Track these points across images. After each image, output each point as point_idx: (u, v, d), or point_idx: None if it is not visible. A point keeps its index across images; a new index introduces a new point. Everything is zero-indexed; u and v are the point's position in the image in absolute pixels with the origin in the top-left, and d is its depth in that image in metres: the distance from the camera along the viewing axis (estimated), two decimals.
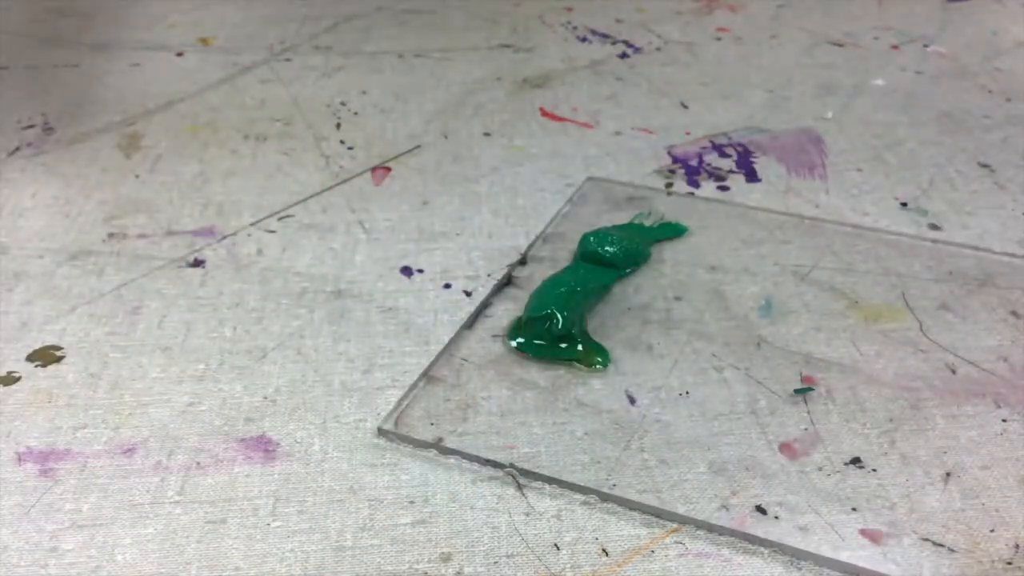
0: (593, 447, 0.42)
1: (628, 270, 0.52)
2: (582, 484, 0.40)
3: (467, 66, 0.77)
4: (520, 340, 0.47)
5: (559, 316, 0.46)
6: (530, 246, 0.55)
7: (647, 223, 0.56)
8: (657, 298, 0.51)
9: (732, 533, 0.38)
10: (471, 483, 0.41)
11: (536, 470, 0.41)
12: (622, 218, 0.57)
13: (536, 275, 0.52)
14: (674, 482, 0.40)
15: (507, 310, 0.50)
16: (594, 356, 0.46)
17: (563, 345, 0.47)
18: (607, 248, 0.52)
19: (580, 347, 0.47)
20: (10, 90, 0.74)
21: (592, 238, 0.53)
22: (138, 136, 0.68)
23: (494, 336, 0.48)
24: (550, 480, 0.40)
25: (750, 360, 0.46)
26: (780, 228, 0.56)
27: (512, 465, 0.41)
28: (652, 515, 0.39)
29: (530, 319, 0.47)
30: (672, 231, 0.56)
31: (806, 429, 0.43)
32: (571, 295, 0.48)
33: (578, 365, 0.46)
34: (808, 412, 0.44)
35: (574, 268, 0.52)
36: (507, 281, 0.52)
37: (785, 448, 0.42)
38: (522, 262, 0.54)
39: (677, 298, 0.51)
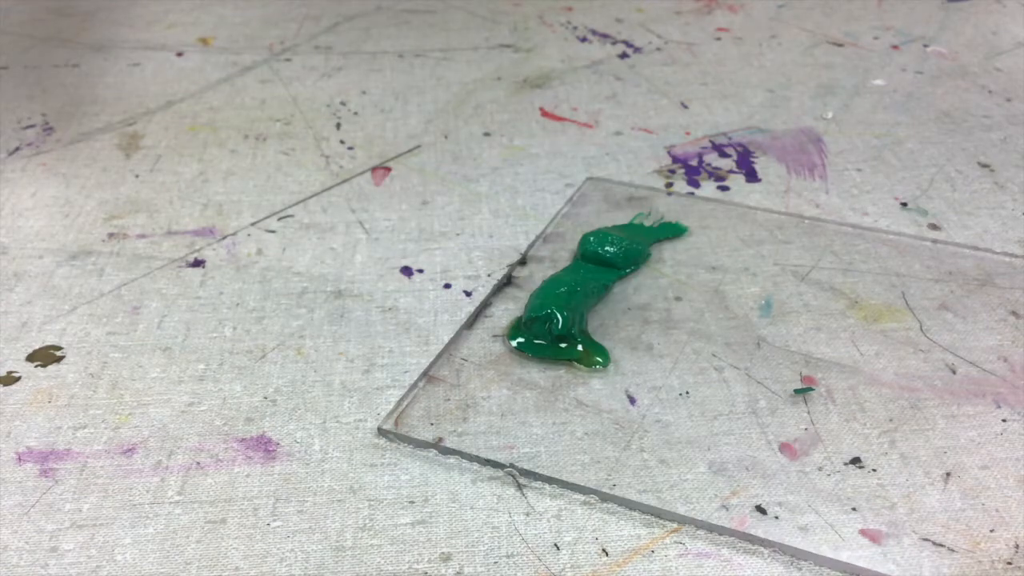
0: (593, 447, 0.42)
1: (628, 270, 0.52)
2: (582, 484, 0.40)
3: (467, 66, 0.77)
4: (520, 340, 0.47)
5: (559, 316, 0.46)
6: (530, 246, 0.55)
7: (647, 223, 0.56)
8: (657, 298, 0.51)
9: (732, 533, 0.38)
10: (471, 483, 0.41)
11: (536, 470, 0.41)
12: (622, 218, 0.57)
13: (536, 275, 0.52)
14: (674, 482, 0.40)
15: (507, 310, 0.50)
16: (594, 356, 0.46)
17: (563, 345, 0.47)
18: (607, 248, 0.52)
19: (580, 347, 0.47)
20: (10, 90, 0.74)
21: (592, 238, 0.53)
22: (138, 136, 0.68)
23: (494, 336, 0.48)
24: (550, 480, 0.40)
25: (750, 360, 0.46)
26: (780, 228, 0.56)
27: (512, 465, 0.41)
28: (652, 515, 0.39)
29: (530, 319, 0.47)
30: (672, 231, 0.56)
31: (806, 429, 0.43)
32: (571, 295, 0.48)
33: (578, 365, 0.46)
34: (808, 412, 0.44)
35: (574, 268, 0.52)
36: (507, 281, 0.52)
37: (785, 448, 0.42)
38: (522, 262, 0.54)
39: (677, 298, 0.51)
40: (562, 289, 0.48)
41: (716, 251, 0.54)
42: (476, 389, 0.45)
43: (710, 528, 0.38)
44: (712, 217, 0.57)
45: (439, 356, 0.47)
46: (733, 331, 0.48)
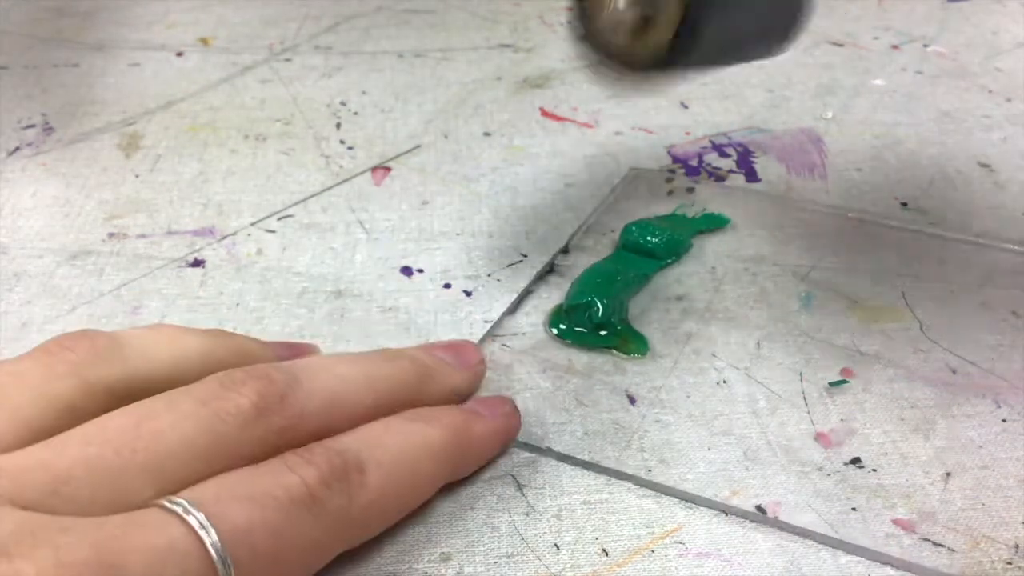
0: (593, 447, 0.42)
1: (669, 260, 0.52)
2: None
3: (467, 66, 0.77)
4: (561, 327, 0.48)
5: (599, 304, 0.47)
6: (572, 235, 0.55)
7: (689, 214, 0.56)
8: (696, 288, 0.51)
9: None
10: (471, 483, 0.41)
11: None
12: (664, 208, 0.57)
13: (579, 263, 0.52)
14: (674, 482, 0.40)
15: (546, 298, 0.50)
16: (631, 344, 0.46)
17: (602, 332, 0.47)
18: (649, 238, 0.52)
19: (619, 335, 0.47)
20: (10, 90, 0.74)
21: (634, 228, 0.53)
22: (138, 136, 0.68)
23: (494, 338, 0.48)
24: (565, 458, 0.40)
25: (749, 360, 0.46)
26: (812, 223, 0.56)
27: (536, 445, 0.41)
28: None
29: (571, 307, 0.48)
30: (714, 222, 0.56)
31: (806, 428, 0.43)
32: (611, 283, 0.49)
33: (616, 352, 0.46)
34: (808, 412, 0.44)
35: (616, 257, 0.52)
36: (549, 269, 0.52)
37: (785, 448, 0.42)
38: (565, 251, 0.54)
39: (716, 289, 0.51)
40: (602, 278, 0.49)
41: (758, 243, 0.54)
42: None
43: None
44: (755, 208, 0.57)
45: None
46: (774, 324, 0.48)
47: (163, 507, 0.30)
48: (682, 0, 0.40)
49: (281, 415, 0.34)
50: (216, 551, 0.29)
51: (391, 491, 0.36)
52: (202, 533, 0.29)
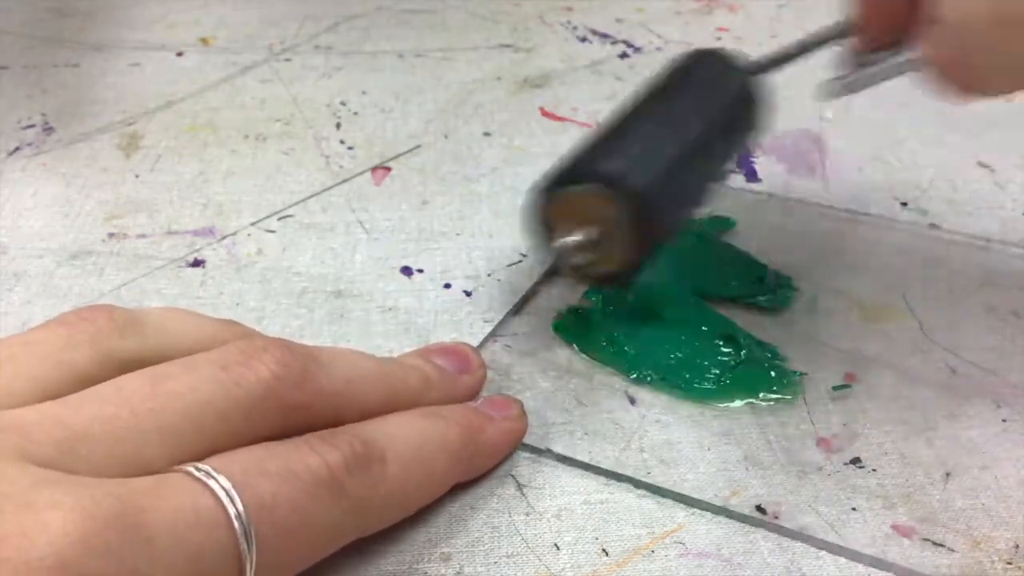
0: (593, 447, 0.42)
1: None
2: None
3: (467, 66, 0.77)
4: (566, 332, 0.48)
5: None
6: None
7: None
8: None
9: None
10: (472, 483, 0.41)
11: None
12: None
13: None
14: (674, 482, 0.40)
15: (551, 299, 0.50)
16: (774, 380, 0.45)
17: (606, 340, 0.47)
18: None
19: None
20: (10, 90, 0.74)
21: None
22: (138, 136, 0.68)
23: (496, 338, 0.48)
24: (564, 459, 0.40)
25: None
26: (825, 221, 0.56)
27: (549, 449, 0.41)
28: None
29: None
30: (720, 225, 0.56)
31: (806, 429, 0.43)
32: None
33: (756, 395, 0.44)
34: (808, 412, 0.44)
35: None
36: (556, 271, 0.52)
37: (786, 448, 0.42)
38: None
39: None
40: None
41: (758, 243, 0.54)
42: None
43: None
44: (759, 211, 0.57)
45: None
46: (771, 324, 0.48)
47: (189, 473, 0.30)
48: (633, 247, 0.42)
49: (299, 389, 0.34)
50: (240, 523, 0.29)
51: (408, 484, 0.36)
52: (227, 503, 0.29)
